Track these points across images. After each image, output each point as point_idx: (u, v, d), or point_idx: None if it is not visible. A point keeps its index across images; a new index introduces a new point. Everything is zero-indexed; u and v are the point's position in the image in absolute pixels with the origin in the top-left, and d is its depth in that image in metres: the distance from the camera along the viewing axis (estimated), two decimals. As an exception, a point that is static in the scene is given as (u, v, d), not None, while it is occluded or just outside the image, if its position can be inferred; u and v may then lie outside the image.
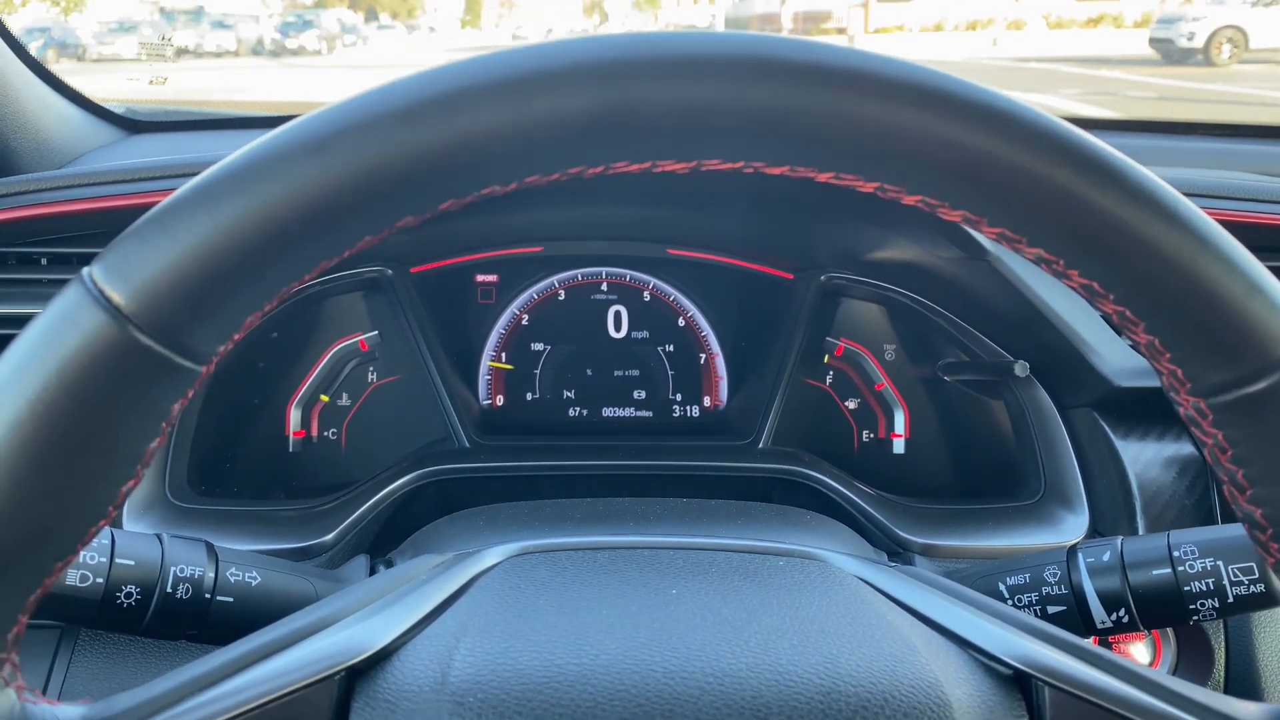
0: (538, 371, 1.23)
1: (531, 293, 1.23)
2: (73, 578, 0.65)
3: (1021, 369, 1.06)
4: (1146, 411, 1.01)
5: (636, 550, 0.64)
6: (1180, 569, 0.70)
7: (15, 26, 1.22)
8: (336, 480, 1.13)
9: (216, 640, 0.66)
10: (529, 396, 1.23)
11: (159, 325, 0.39)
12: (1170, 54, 15.22)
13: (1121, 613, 0.72)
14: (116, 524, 0.91)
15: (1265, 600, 0.70)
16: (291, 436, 1.17)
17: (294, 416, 1.17)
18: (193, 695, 0.47)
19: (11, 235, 1.04)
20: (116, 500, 0.41)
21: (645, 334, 1.24)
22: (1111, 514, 1.00)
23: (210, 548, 0.72)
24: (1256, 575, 0.69)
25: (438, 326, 1.17)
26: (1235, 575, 0.69)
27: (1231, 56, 14.67)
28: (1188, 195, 0.42)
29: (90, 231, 1.05)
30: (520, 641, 0.51)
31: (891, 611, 0.58)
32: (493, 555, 0.62)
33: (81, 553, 0.42)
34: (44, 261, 1.05)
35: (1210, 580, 0.70)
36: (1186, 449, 1.01)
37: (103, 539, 0.67)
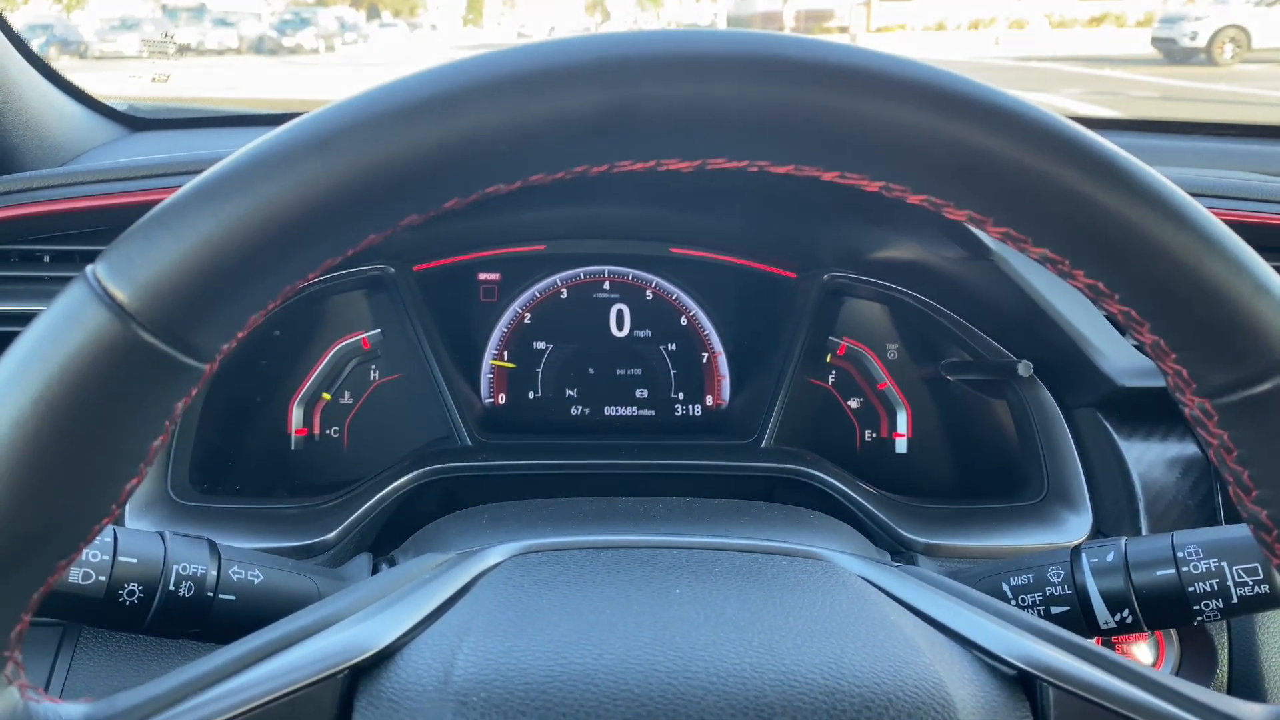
0: (540, 370, 1.23)
1: (534, 291, 1.23)
2: (75, 576, 0.65)
3: (1025, 369, 1.06)
4: (1150, 412, 1.01)
5: (640, 549, 0.64)
6: (1184, 570, 0.70)
7: (17, 23, 1.22)
8: (338, 478, 1.13)
9: (219, 639, 0.66)
10: (531, 395, 1.23)
11: (163, 323, 0.39)
12: (1173, 53, 15.21)
13: (1125, 613, 0.72)
14: (118, 522, 0.91)
15: (1269, 601, 0.70)
16: (293, 434, 1.17)
17: (296, 414, 1.17)
18: (195, 694, 0.47)
19: (14, 232, 1.04)
20: (120, 498, 0.41)
21: (648, 333, 1.24)
22: (1114, 514, 1.00)
23: (212, 546, 0.72)
24: (1261, 576, 0.69)
25: (440, 325, 1.17)
26: (1239, 576, 0.69)
27: (1234, 56, 14.66)
28: (1189, 195, 0.42)
29: (92, 229, 1.05)
30: (523, 640, 0.51)
31: (895, 611, 0.57)
32: (496, 554, 0.62)
33: (84, 550, 0.42)
34: (46, 259, 1.05)
35: (1214, 581, 0.70)
36: (1190, 449, 1.00)
37: (105, 537, 0.67)
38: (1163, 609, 0.71)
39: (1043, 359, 1.07)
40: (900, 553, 0.99)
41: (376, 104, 0.39)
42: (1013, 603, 0.75)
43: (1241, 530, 0.71)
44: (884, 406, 1.22)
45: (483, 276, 1.24)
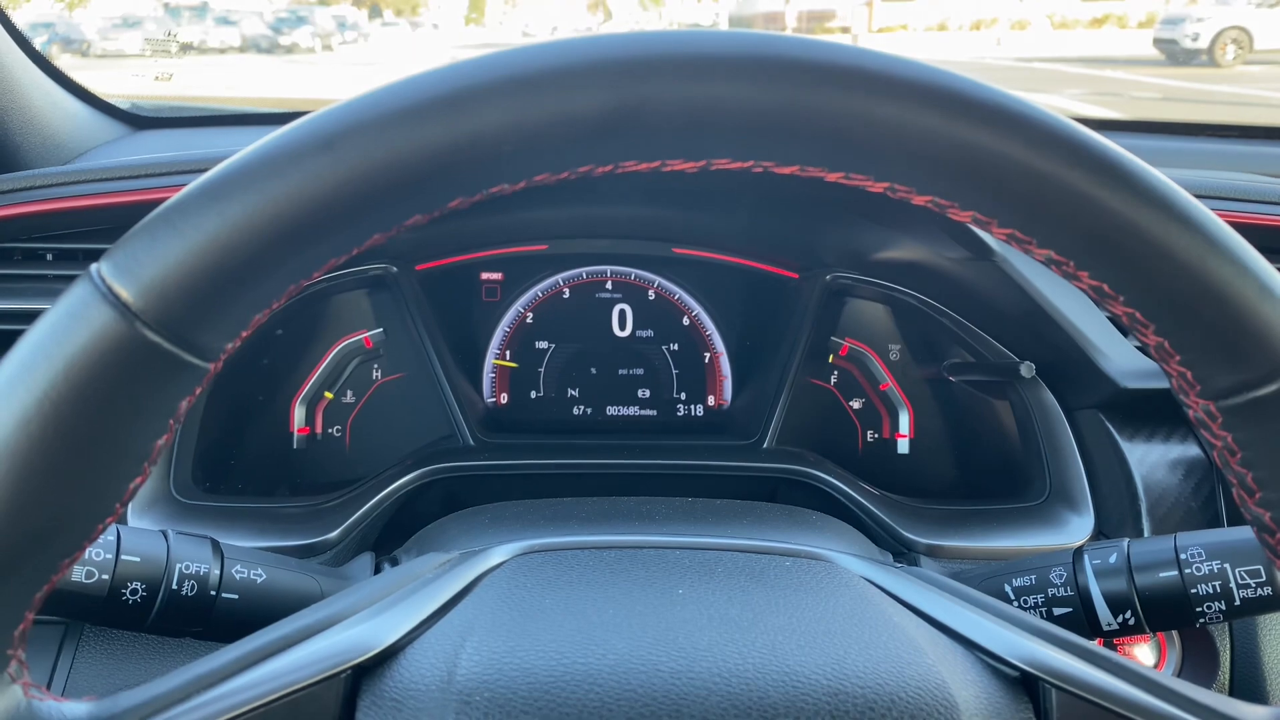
0: (542, 370, 1.23)
1: (536, 291, 1.23)
2: (78, 574, 0.65)
3: (1027, 370, 1.06)
4: (1152, 413, 1.01)
5: (643, 549, 0.63)
6: (1187, 571, 0.70)
7: (20, 21, 1.22)
8: (341, 477, 1.14)
9: (221, 638, 0.66)
10: (533, 395, 1.23)
11: (167, 322, 0.39)
12: (1175, 55, 15.20)
13: (1127, 615, 0.72)
14: (121, 520, 0.91)
15: (1272, 603, 0.69)
16: (296, 433, 1.17)
17: (298, 413, 1.17)
18: (198, 693, 0.47)
19: (17, 231, 1.04)
20: (124, 497, 0.41)
21: (650, 333, 1.24)
22: (1117, 516, 1.00)
23: (215, 544, 0.72)
24: (1264, 578, 0.69)
25: (442, 324, 1.17)
26: (1242, 578, 0.69)
27: (1236, 57, 14.65)
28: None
29: (96, 227, 1.05)
30: (526, 640, 0.51)
31: (898, 612, 0.57)
32: (498, 554, 0.62)
33: (87, 549, 0.42)
34: (49, 257, 1.05)
35: (1217, 583, 0.69)
36: (1192, 451, 1.00)
37: (108, 535, 0.67)
38: (1165, 611, 0.71)
39: (1045, 360, 1.07)
40: (902, 554, 0.99)
41: (382, 103, 0.39)
42: (1015, 604, 0.75)
43: (1244, 532, 0.71)
44: (886, 407, 1.22)
45: (485, 276, 1.24)
